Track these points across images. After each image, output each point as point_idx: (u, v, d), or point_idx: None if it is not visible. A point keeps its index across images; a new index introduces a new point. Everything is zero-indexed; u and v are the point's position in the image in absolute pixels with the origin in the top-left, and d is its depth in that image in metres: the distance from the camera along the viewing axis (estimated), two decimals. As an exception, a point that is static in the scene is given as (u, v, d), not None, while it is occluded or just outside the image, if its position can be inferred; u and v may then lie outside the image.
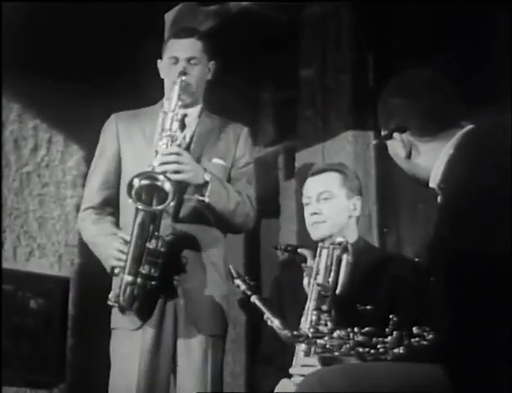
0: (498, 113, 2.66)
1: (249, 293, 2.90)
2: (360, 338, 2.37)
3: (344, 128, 4.20)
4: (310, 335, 2.55)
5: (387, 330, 2.34)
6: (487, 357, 2.10)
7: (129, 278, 3.09)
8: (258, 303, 2.85)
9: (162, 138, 3.19)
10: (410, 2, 4.02)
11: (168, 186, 3.10)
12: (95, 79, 4.67)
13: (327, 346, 2.45)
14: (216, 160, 3.34)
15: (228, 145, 3.40)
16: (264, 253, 4.93)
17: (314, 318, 2.90)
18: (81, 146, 5.17)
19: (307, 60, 4.42)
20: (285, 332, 2.65)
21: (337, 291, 2.92)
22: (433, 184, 2.39)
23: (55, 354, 4.95)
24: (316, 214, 3.18)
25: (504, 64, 3.61)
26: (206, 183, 3.18)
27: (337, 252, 2.97)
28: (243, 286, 2.93)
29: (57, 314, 5.00)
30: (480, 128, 2.37)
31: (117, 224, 3.34)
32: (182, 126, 3.33)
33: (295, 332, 2.62)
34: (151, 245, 3.10)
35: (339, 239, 3.02)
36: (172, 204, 3.14)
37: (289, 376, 2.94)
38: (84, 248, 3.72)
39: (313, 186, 3.24)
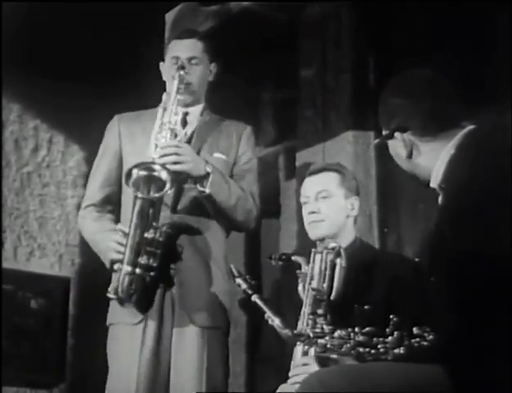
0: (498, 113, 2.67)
1: (250, 292, 2.90)
2: (360, 338, 2.37)
3: (344, 128, 4.20)
4: (311, 334, 2.54)
5: (387, 330, 2.34)
6: (488, 357, 2.10)
7: (128, 268, 3.07)
8: (258, 302, 2.85)
9: (161, 131, 3.19)
10: (410, 2, 4.01)
11: (164, 174, 3.09)
12: (95, 79, 4.67)
13: (328, 346, 2.44)
14: (217, 155, 3.34)
15: (230, 142, 3.40)
16: (265, 253, 4.92)
17: (310, 322, 2.88)
18: (81, 146, 5.16)
19: (307, 60, 4.42)
20: (286, 331, 2.65)
21: (331, 297, 2.91)
22: (433, 184, 2.39)
23: (55, 354, 4.94)
24: (314, 212, 3.17)
25: (504, 64, 3.60)
26: (207, 175, 3.17)
27: (330, 257, 2.96)
28: (244, 285, 2.93)
29: (58, 314, 4.99)
30: (481, 128, 2.37)
31: (117, 222, 3.34)
32: (184, 123, 3.34)
33: (296, 331, 2.62)
34: (150, 235, 3.09)
35: (332, 244, 3.01)
36: (170, 192, 3.13)
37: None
38: (85, 248, 3.72)
39: (311, 185, 3.24)
